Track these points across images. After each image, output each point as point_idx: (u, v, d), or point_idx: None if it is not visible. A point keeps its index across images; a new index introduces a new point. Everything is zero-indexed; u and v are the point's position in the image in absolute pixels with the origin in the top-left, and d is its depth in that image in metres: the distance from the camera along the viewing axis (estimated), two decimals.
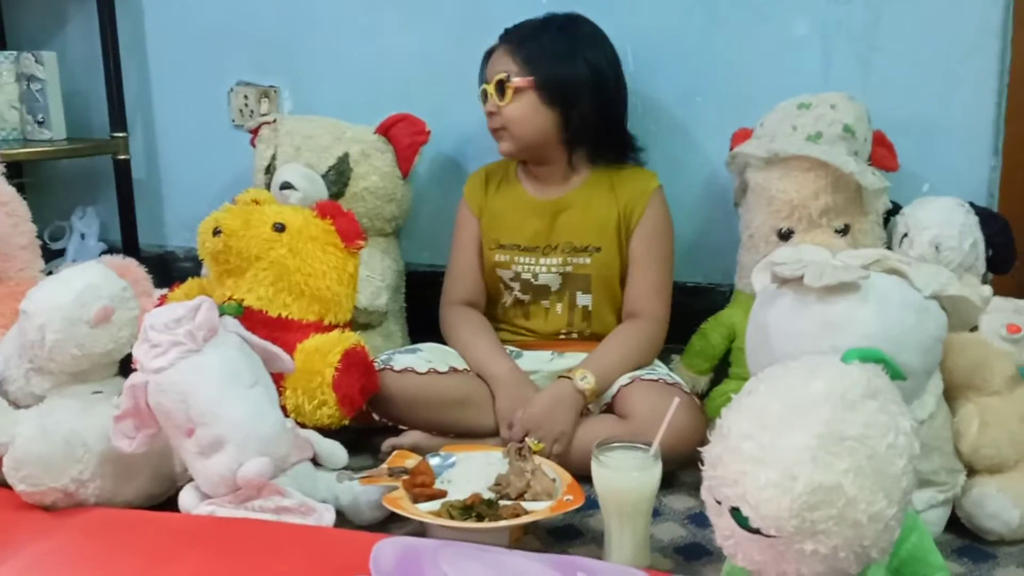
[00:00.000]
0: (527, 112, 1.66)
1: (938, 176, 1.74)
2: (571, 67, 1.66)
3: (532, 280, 1.73)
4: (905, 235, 1.53)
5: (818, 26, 1.77)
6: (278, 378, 1.40)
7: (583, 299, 1.72)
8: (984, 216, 1.52)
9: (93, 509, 1.26)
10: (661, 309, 1.69)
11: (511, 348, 1.72)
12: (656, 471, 1.18)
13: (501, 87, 1.66)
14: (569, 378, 1.55)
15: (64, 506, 1.25)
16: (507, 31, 1.73)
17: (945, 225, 1.48)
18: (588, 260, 1.70)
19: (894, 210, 1.58)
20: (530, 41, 1.68)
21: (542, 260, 1.72)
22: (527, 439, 1.46)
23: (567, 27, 1.70)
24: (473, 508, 1.25)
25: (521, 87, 1.65)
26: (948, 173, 1.74)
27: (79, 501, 1.26)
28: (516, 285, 1.75)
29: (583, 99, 1.67)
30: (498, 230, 1.76)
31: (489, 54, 1.74)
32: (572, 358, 1.67)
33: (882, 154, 1.62)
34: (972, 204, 1.53)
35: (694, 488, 1.43)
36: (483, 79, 1.73)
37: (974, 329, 1.39)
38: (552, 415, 1.50)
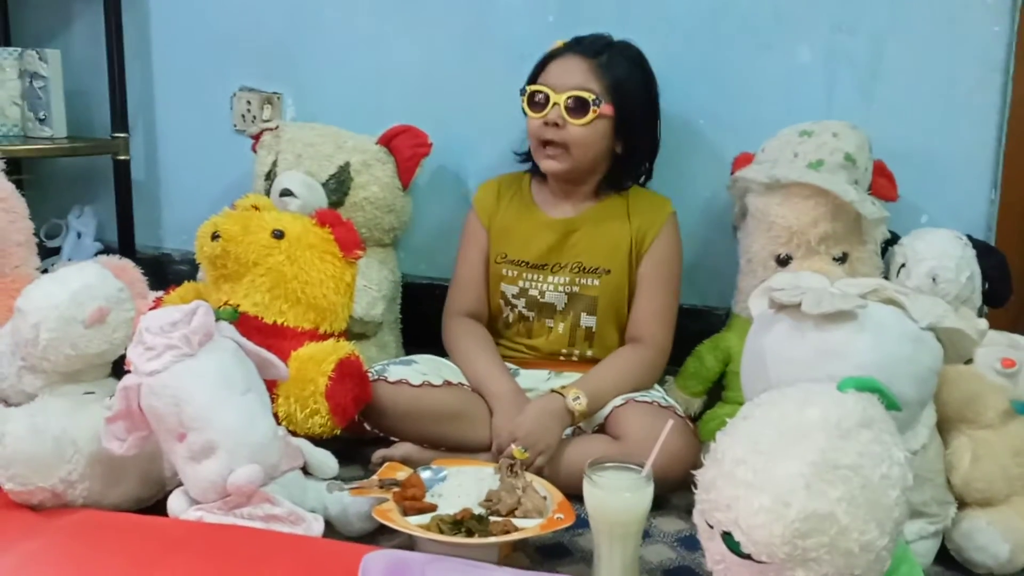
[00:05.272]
0: (596, 138, 1.64)
1: (937, 208, 1.75)
2: (647, 105, 1.69)
3: (539, 297, 1.72)
4: (903, 265, 1.53)
5: (822, 55, 1.78)
6: (271, 385, 1.40)
7: (587, 320, 1.71)
8: (981, 249, 1.53)
9: (80, 510, 1.25)
10: (663, 335, 1.68)
11: (509, 365, 1.71)
12: (648, 492, 1.18)
13: (582, 106, 1.62)
14: (562, 395, 1.54)
15: (51, 506, 1.25)
16: (579, 41, 1.67)
17: (943, 257, 1.49)
18: (597, 282, 1.70)
19: (892, 240, 1.59)
20: (616, 67, 1.64)
21: (549, 278, 1.71)
22: (513, 446, 1.46)
23: (639, 60, 1.68)
24: (463, 523, 1.24)
25: (605, 114, 1.63)
26: (947, 205, 1.75)
27: (67, 502, 1.25)
28: (521, 301, 1.74)
29: (644, 134, 1.71)
30: (506, 244, 1.75)
31: (551, 57, 1.67)
32: (569, 378, 1.66)
33: (882, 184, 1.63)
34: (970, 237, 1.54)
35: (685, 511, 1.44)
36: (535, 81, 1.66)
37: (969, 362, 1.39)
38: (541, 426, 1.49)
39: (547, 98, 1.63)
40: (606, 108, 1.62)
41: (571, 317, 1.72)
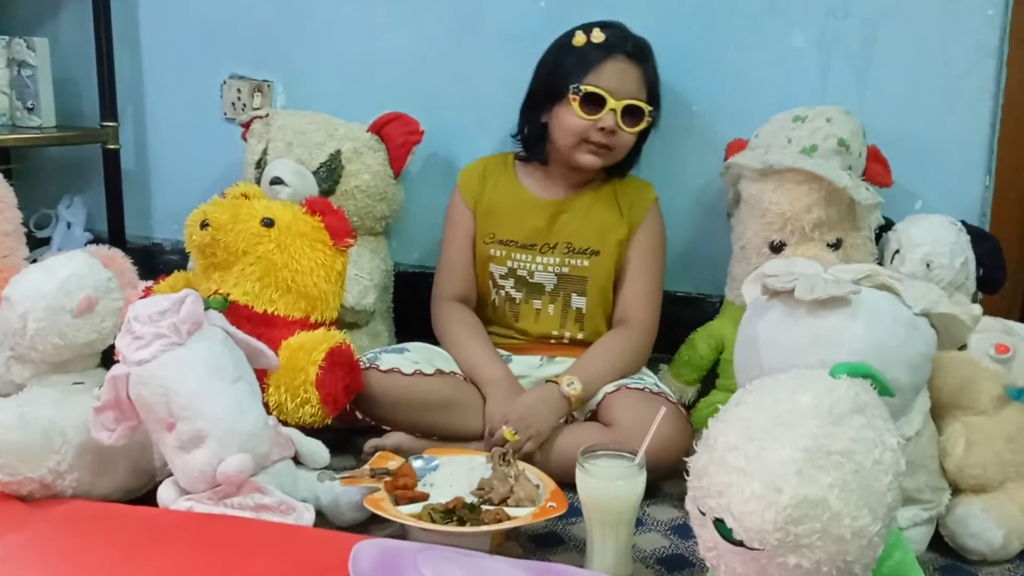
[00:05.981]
0: (632, 141, 1.67)
1: (931, 194, 1.75)
2: (659, 106, 1.71)
3: (528, 277, 1.72)
4: (897, 251, 1.53)
5: (815, 40, 1.77)
6: (261, 375, 1.39)
7: (578, 301, 1.72)
8: (975, 235, 1.52)
9: (70, 501, 1.25)
10: (650, 317, 1.70)
11: (501, 352, 1.71)
12: (641, 480, 1.17)
13: (637, 114, 1.63)
14: (556, 383, 1.54)
15: (40, 497, 1.24)
16: (626, 40, 1.64)
17: (937, 243, 1.49)
18: (587, 262, 1.70)
19: (886, 226, 1.58)
20: (651, 73, 1.66)
21: (539, 258, 1.72)
22: (504, 427, 1.46)
23: (655, 62, 1.69)
24: (455, 512, 1.24)
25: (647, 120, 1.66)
26: (941, 191, 1.75)
27: (56, 492, 1.24)
28: (509, 282, 1.74)
29: (648, 133, 1.72)
30: (495, 225, 1.75)
31: (599, 56, 1.61)
32: (561, 364, 1.67)
33: (876, 170, 1.62)
34: (964, 223, 1.53)
35: (678, 499, 1.44)
36: (584, 79, 1.61)
37: (963, 348, 1.39)
38: (534, 411, 1.50)
39: (603, 103, 1.61)
40: (648, 117, 1.65)
41: (561, 298, 1.72)
